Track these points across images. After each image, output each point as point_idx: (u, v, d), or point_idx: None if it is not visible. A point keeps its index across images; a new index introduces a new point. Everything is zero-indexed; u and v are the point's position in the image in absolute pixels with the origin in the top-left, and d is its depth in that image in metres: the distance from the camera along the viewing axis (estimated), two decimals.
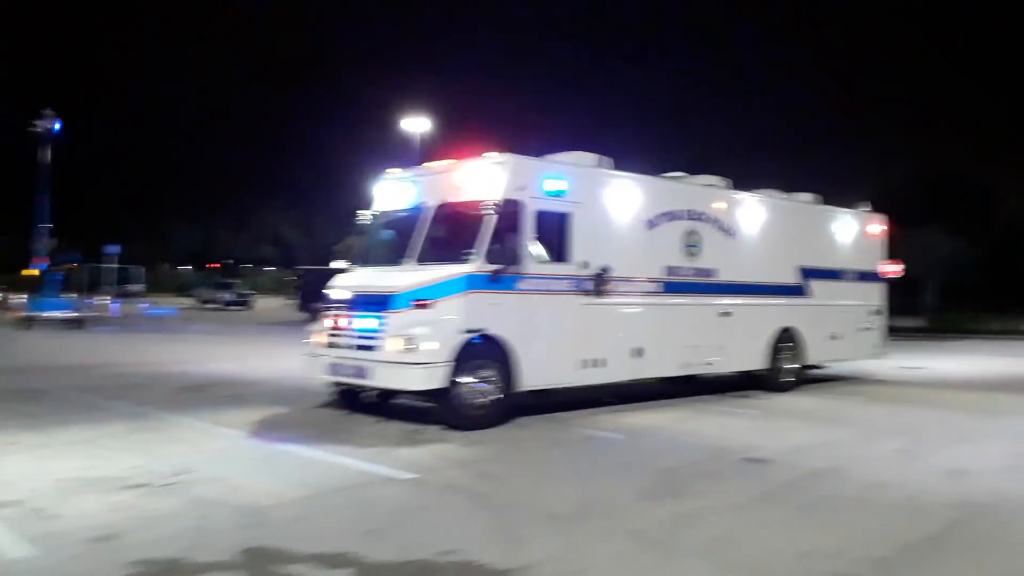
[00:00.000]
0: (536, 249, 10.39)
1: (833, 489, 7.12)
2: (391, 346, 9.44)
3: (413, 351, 9.30)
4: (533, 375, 10.25)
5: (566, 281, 10.72)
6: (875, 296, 16.52)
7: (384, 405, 10.62)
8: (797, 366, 14.38)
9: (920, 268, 42.75)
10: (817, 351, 14.86)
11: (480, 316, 9.73)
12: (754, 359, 13.68)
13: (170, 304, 56.00)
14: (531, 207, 10.31)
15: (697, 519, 6.13)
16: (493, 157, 10.38)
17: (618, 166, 11.85)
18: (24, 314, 27.54)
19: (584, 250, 10.90)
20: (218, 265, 74.91)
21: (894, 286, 41.94)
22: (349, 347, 9.99)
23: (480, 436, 9.31)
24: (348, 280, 10.75)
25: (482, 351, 9.78)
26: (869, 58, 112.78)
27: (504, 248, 9.96)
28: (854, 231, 16.08)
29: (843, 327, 15.48)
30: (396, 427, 9.73)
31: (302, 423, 10.06)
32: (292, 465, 7.79)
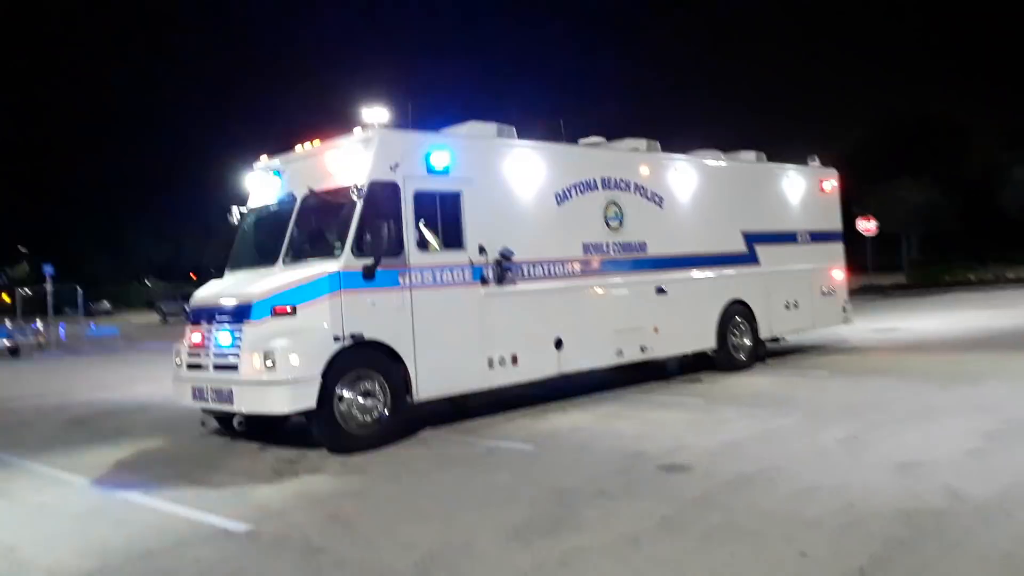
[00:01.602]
0: (420, 237, 9.01)
1: (752, 503, 5.78)
2: (250, 363, 8.05)
3: (273, 368, 7.91)
4: (430, 383, 8.89)
5: (460, 271, 9.33)
6: (835, 257, 15.19)
7: (275, 427, 9.22)
8: (751, 342, 13.06)
9: (895, 222, 41.64)
10: (773, 323, 13.56)
11: (354, 320, 8.34)
12: (700, 339, 12.35)
13: (140, 320, 54.49)
14: (409, 188, 8.92)
15: (566, 566, 4.78)
16: (359, 134, 8.97)
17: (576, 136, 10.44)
18: None
19: (480, 234, 9.52)
20: (194, 276, 73.12)
21: (870, 243, 40.96)
22: (209, 367, 8.59)
23: (363, 460, 7.96)
24: (209, 289, 9.35)
25: (363, 360, 8.41)
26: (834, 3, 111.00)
27: (378, 239, 8.56)
28: (805, 189, 14.73)
29: (801, 294, 14.17)
30: (272, 456, 8.38)
31: (166, 460, 8.69)
32: (112, 522, 6.42)
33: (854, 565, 4.53)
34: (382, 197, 8.71)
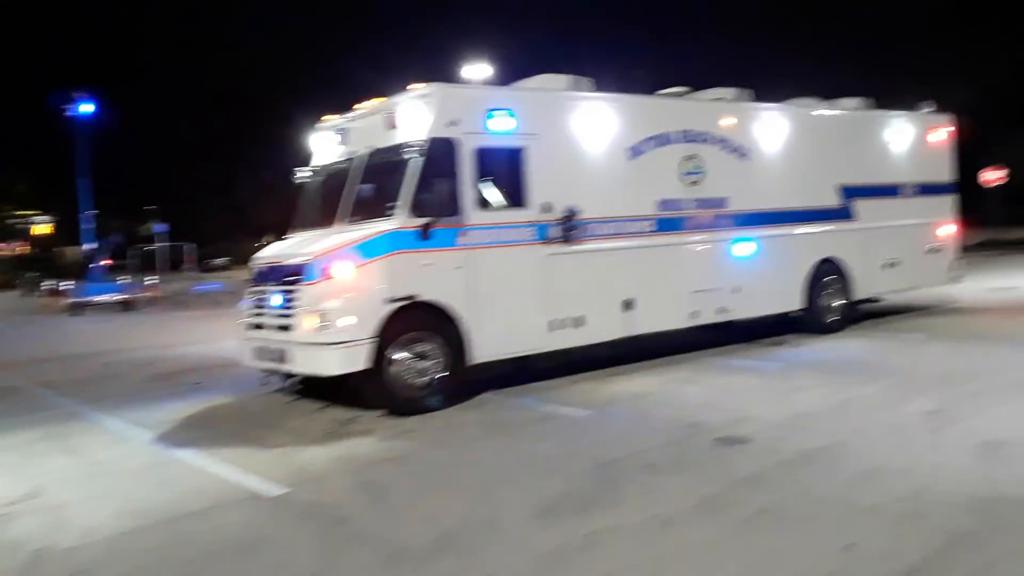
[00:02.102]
0: (481, 195, 8.71)
1: (808, 485, 5.30)
2: (305, 324, 8.00)
3: (328, 328, 7.83)
4: (489, 344, 8.65)
5: (523, 230, 8.99)
6: (943, 211, 14.02)
7: (340, 387, 9.20)
8: (843, 302, 12.24)
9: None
10: (869, 282, 12.64)
11: (410, 280, 8.16)
12: (786, 299, 11.63)
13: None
14: (469, 145, 8.60)
15: (587, 550, 4.47)
16: (418, 90, 8.69)
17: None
18: (72, 300, 27.58)
19: (546, 191, 9.13)
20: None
21: (996, 195, 38.08)
22: (270, 327, 8.61)
23: (415, 423, 7.83)
24: (272, 250, 9.35)
25: (418, 321, 8.24)
26: None
27: (435, 197, 8.32)
28: (912, 138, 13.57)
29: (902, 251, 13.15)
30: (329, 417, 8.36)
31: (229, 417, 8.82)
32: (159, 482, 6.51)
33: (907, 563, 4.04)
34: (440, 154, 8.43)
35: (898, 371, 8.83)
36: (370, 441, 7.32)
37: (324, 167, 9.81)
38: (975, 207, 44.87)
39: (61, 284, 30.97)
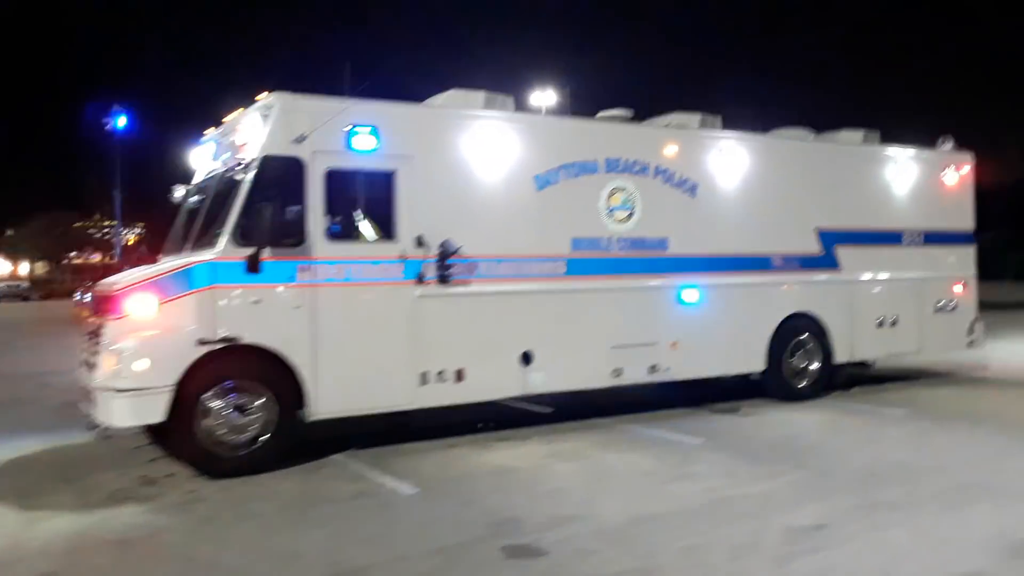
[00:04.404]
0: (332, 224, 7.52)
1: None
2: (104, 365, 6.92)
3: (119, 372, 6.73)
4: (334, 398, 7.41)
5: (387, 266, 7.74)
6: (960, 264, 12.10)
7: None
8: (819, 365, 10.51)
9: None
10: (856, 343, 10.87)
11: (231, 320, 7.00)
12: (742, 359, 10.01)
13: None
14: (319, 166, 7.44)
15: None
16: (261, 101, 7.59)
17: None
18: None
19: (421, 222, 7.89)
20: None
21: None
22: (88, 365, 7.57)
23: (216, 489, 6.64)
24: (114, 278, 8.35)
25: (239, 368, 7.07)
26: None
27: (269, 224, 7.17)
28: (922, 177, 11.76)
29: (903, 309, 11.32)
30: (146, 471, 7.25)
31: (46, 463, 7.82)
32: None
33: None
34: (279, 176, 7.31)
35: (826, 461, 7.17)
36: (136, 511, 6.15)
37: (194, 186, 8.81)
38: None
39: None
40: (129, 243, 74.20)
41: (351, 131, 7.57)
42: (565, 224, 8.82)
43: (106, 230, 76.78)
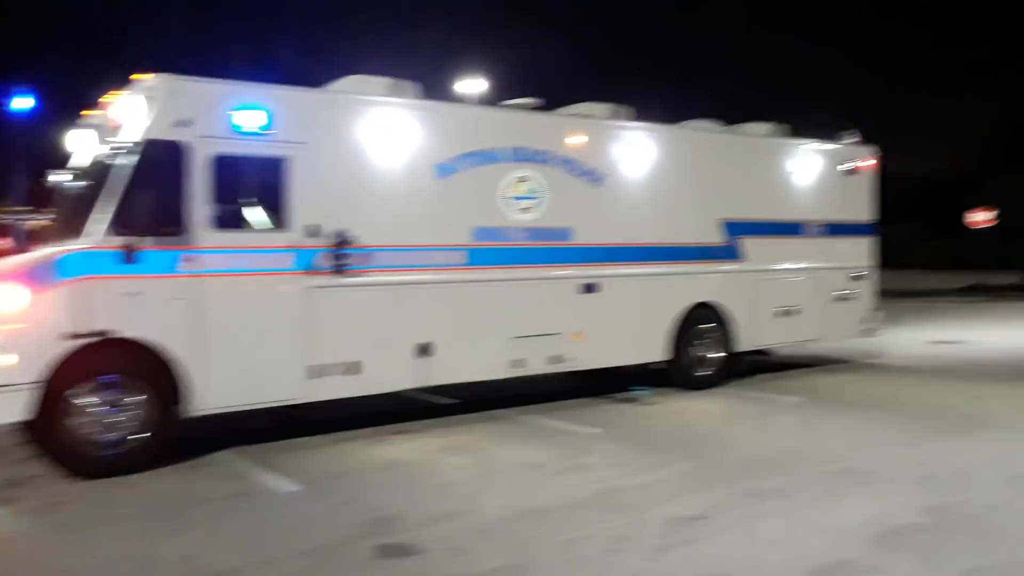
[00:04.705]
0: (218, 212, 7.22)
1: None
2: None
3: None
4: (218, 392, 7.14)
5: (278, 256, 7.49)
6: (858, 254, 12.42)
7: None
8: (722, 354, 10.65)
9: (1018, 215, 36.81)
10: (757, 333, 11.05)
11: (104, 313, 6.66)
12: (645, 349, 10.06)
13: None
14: (204, 151, 7.12)
15: None
16: (141, 81, 7.25)
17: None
18: None
19: (315, 211, 7.65)
20: None
21: (986, 237, 36.31)
22: None
23: (84, 490, 6.32)
24: None
25: (112, 363, 6.74)
26: None
27: (147, 212, 6.86)
28: (823, 170, 12.01)
29: (803, 298, 11.56)
30: (9, 473, 6.87)
31: None
32: None
33: None
34: (160, 161, 6.96)
35: (717, 450, 7.24)
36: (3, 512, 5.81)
37: (71, 170, 8.36)
38: (963, 249, 43.34)
39: None
40: (34, 229, 71.36)
41: (240, 116, 7.29)
42: (467, 213, 8.69)
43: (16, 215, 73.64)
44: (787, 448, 7.26)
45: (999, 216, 34.83)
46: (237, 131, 7.31)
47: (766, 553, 4.77)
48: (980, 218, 34.25)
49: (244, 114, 7.34)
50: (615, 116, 10.14)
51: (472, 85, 33.30)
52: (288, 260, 7.53)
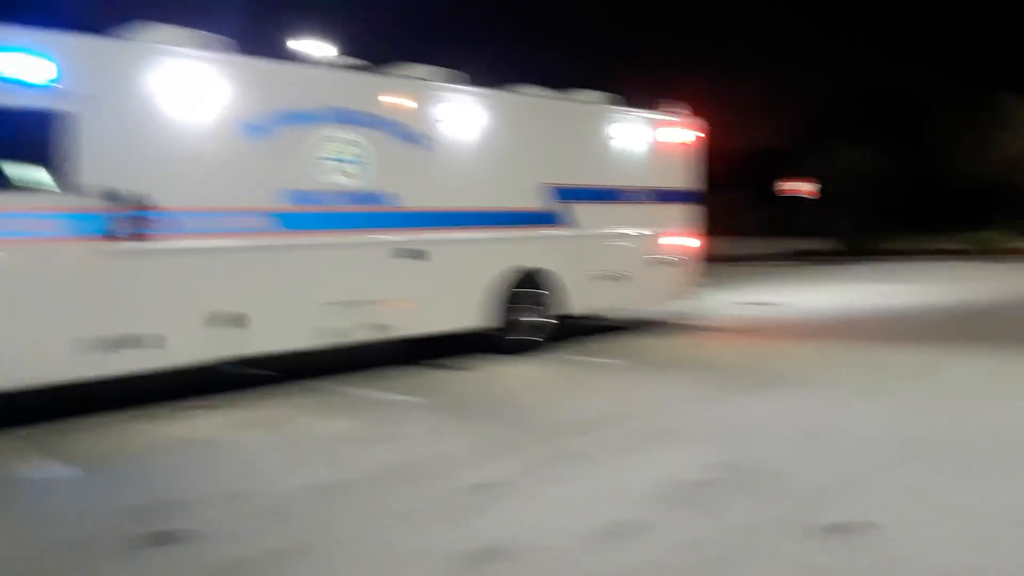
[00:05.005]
0: None
1: None
2: None
3: None
4: None
5: (61, 221, 6.85)
6: (681, 221, 12.82)
7: None
8: (544, 319, 10.75)
9: (835, 187, 39.47)
10: (581, 298, 11.19)
11: None
12: (468, 314, 9.97)
13: None
14: None
15: None
16: None
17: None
18: None
19: (109, 171, 7.01)
20: None
21: (808, 206, 38.88)
22: None
23: None
24: None
25: None
26: None
27: None
28: (649, 139, 12.27)
29: (627, 264, 11.82)
30: None
31: None
32: None
33: None
34: None
35: (533, 414, 7.29)
36: None
37: None
38: (790, 218, 46.38)
39: None
40: None
41: (11, 63, 6.58)
42: (281, 176, 8.26)
43: None
44: (602, 410, 7.40)
45: (820, 187, 37.34)
46: (10, 81, 6.60)
47: (554, 517, 4.79)
48: (802, 187, 36.59)
49: (17, 61, 6.63)
50: (443, 79, 9.93)
51: (315, 46, 32.45)
52: (76, 226, 6.91)
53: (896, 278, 21.35)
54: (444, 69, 9.98)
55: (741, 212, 53.58)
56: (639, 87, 14.25)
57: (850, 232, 33.67)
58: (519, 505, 5.00)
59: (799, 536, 4.47)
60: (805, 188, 36.20)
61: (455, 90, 9.93)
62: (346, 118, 8.77)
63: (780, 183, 36.08)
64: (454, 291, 9.69)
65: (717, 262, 25.96)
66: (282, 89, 8.40)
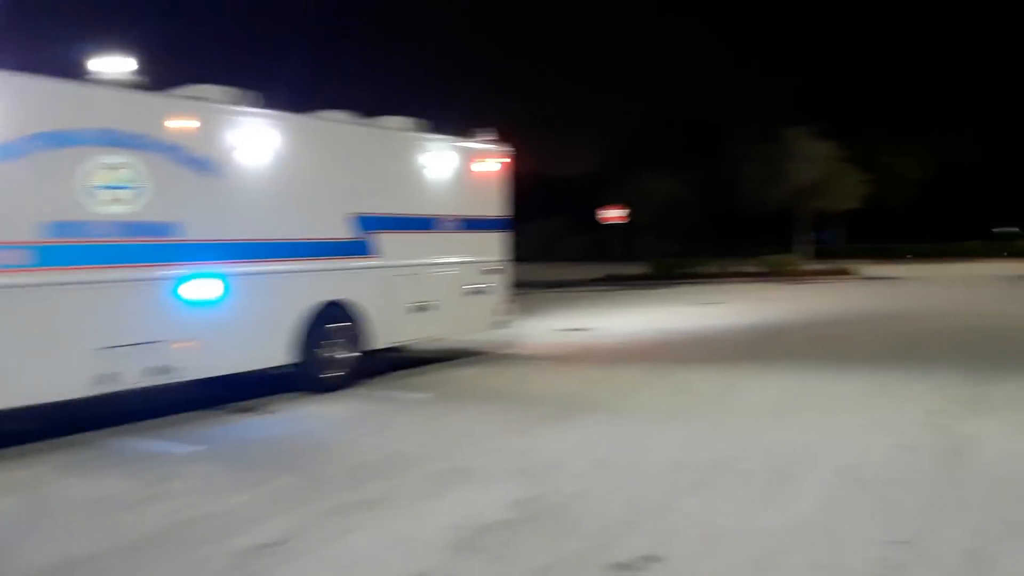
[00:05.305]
0: None
1: None
2: None
3: None
4: None
5: None
6: (492, 249, 12.79)
7: None
8: (354, 354, 10.30)
9: (645, 212, 41.44)
10: (391, 330, 10.86)
11: None
12: (268, 352, 9.38)
13: None
14: None
15: None
16: None
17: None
18: None
19: None
20: None
21: (618, 232, 40.53)
22: None
23: None
24: None
25: None
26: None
27: None
28: (460, 166, 12.15)
29: (438, 294, 11.60)
30: None
31: None
32: None
33: None
34: None
35: (325, 460, 6.85)
36: None
37: None
38: (602, 244, 48.33)
39: None
40: None
41: None
42: (38, 205, 7.39)
43: None
44: (399, 450, 7.06)
45: (629, 214, 39.03)
46: None
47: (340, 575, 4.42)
48: (613, 215, 38.10)
49: None
50: (234, 100, 9.34)
51: (114, 64, 30.22)
52: None
53: (699, 300, 22.50)
54: (236, 90, 9.40)
55: (559, 238, 55.38)
56: (454, 116, 14.19)
57: (657, 257, 35.33)
58: (299, 567, 4.57)
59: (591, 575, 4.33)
60: (616, 215, 37.66)
61: (249, 113, 9.37)
62: (120, 141, 8.01)
63: (599, 210, 37.43)
64: (248, 328, 9.06)
65: (534, 288, 26.47)
66: (40, 108, 7.55)
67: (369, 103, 12.18)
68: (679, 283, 30.65)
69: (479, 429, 7.82)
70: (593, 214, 40.52)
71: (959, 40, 76.25)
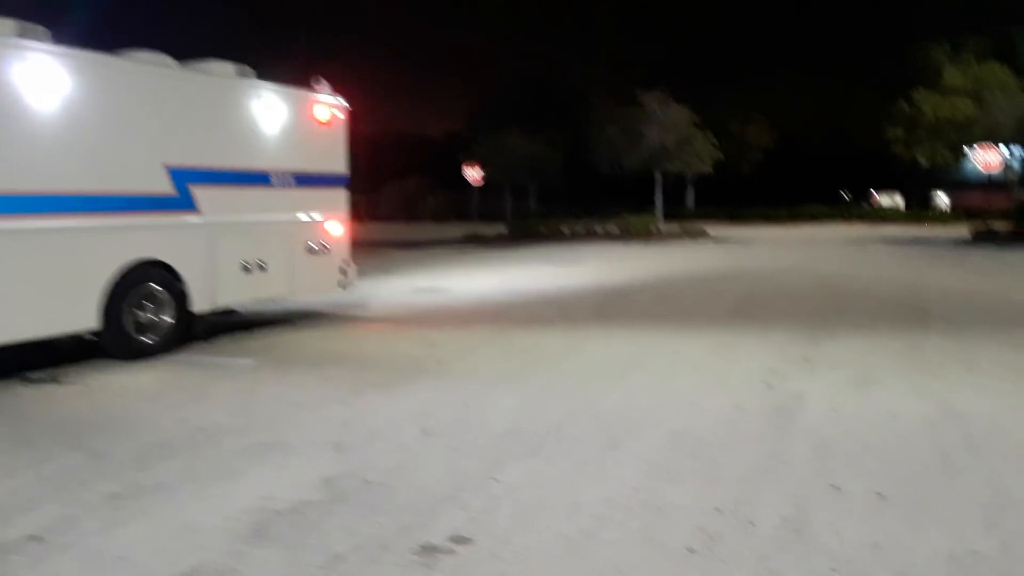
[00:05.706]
0: None
1: None
2: None
3: None
4: None
5: None
6: (333, 206, 12.07)
7: None
8: (173, 318, 9.45)
9: (502, 173, 41.24)
10: (218, 291, 10.07)
11: None
12: (71, 316, 8.45)
13: None
14: None
15: None
16: None
17: None
18: None
19: None
20: None
21: (479, 192, 40.28)
22: None
23: None
24: None
25: None
26: None
27: None
28: (293, 117, 11.32)
29: (272, 253, 10.85)
30: None
31: None
32: None
33: None
34: None
35: (120, 436, 6.11)
36: None
37: None
38: (462, 202, 47.97)
39: None
40: None
41: None
42: None
43: None
44: (207, 424, 6.41)
45: (488, 174, 38.75)
46: None
47: (113, 573, 3.82)
48: (472, 174, 37.71)
49: None
50: (17, 34, 8.20)
51: None
52: None
53: (553, 260, 22.50)
54: (20, 22, 8.26)
55: (420, 198, 54.55)
56: (293, 72, 13.24)
57: (514, 217, 35.26)
58: (72, 561, 3.95)
59: (390, 563, 3.93)
60: (475, 174, 37.28)
61: (36, 48, 8.25)
62: None
63: (463, 169, 37.00)
64: (42, 290, 8.10)
65: (391, 247, 25.78)
66: None
67: (193, 48, 11.20)
68: (535, 243, 30.70)
69: (301, 398, 7.26)
70: (455, 174, 40.07)
71: (804, 10, 79.79)
